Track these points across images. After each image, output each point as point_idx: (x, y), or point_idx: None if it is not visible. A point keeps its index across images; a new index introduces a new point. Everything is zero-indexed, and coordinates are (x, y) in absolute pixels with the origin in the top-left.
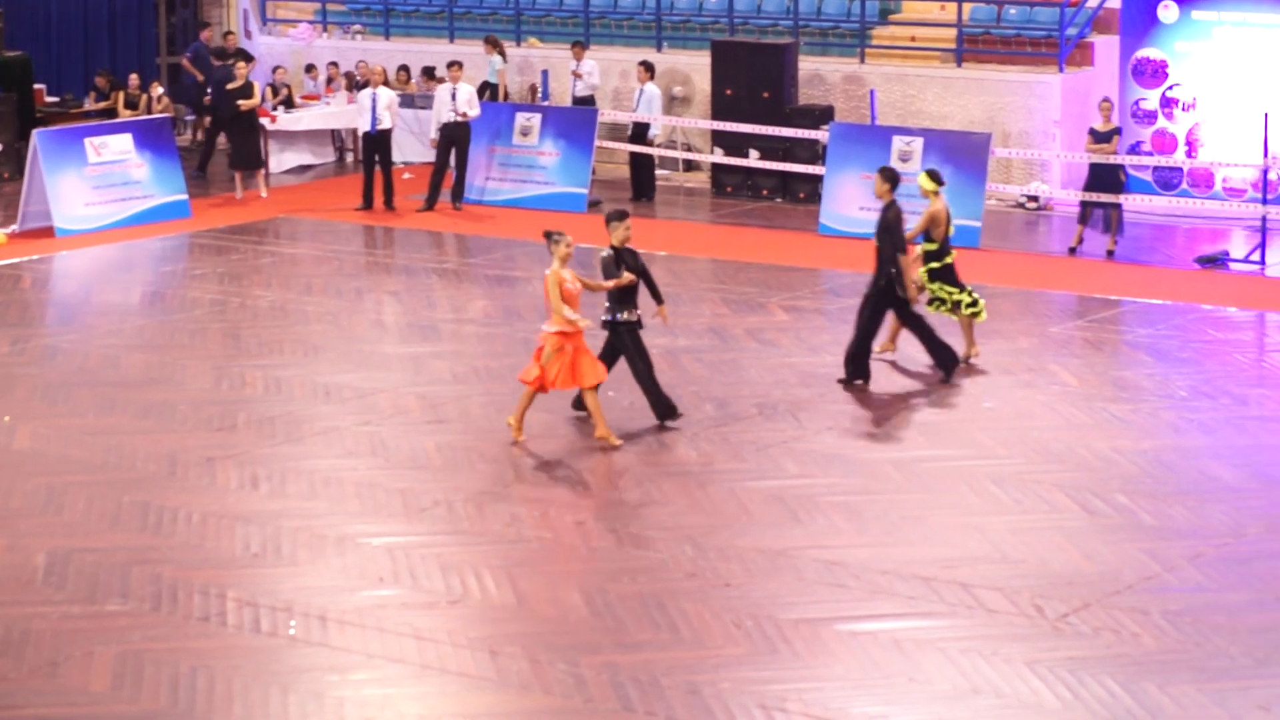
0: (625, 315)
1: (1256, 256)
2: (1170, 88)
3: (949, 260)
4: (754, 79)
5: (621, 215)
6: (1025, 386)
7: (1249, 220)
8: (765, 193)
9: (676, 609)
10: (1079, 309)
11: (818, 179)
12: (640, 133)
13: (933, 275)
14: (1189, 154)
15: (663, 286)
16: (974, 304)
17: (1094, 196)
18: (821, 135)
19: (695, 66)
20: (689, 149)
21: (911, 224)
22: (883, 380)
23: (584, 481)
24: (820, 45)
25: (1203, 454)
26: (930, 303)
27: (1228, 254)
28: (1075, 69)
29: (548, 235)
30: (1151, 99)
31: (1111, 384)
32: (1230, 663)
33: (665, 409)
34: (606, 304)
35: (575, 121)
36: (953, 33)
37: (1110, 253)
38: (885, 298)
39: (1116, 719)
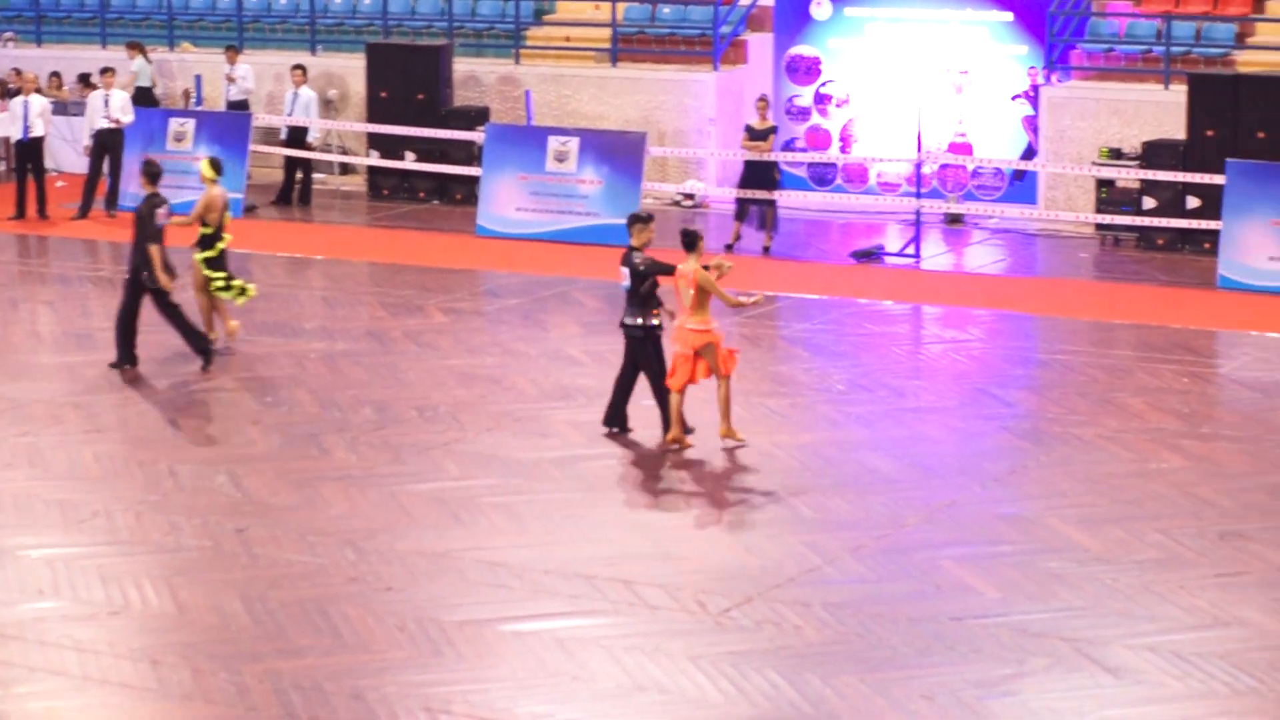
0: (655, 320)
1: (911, 250)
2: (824, 84)
3: (222, 245)
4: (409, 81)
5: (648, 218)
6: None
7: (903, 214)
8: (422, 195)
9: (339, 614)
10: None
11: (474, 180)
12: (298, 137)
13: (209, 262)
14: (843, 150)
15: (320, 291)
16: (228, 288)
17: (749, 193)
18: (477, 136)
19: (350, 69)
20: (345, 152)
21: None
22: (542, 380)
23: (244, 488)
24: (475, 46)
25: (861, 446)
26: (213, 286)
27: (883, 248)
28: (730, 67)
29: (687, 233)
30: (805, 96)
31: (769, 379)
32: (892, 653)
33: (622, 419)
34: (629, 308)
35: (230, 126)
36: (607, 32)
37: (766, 249)
38: (139, 288)
39: (780, 711)
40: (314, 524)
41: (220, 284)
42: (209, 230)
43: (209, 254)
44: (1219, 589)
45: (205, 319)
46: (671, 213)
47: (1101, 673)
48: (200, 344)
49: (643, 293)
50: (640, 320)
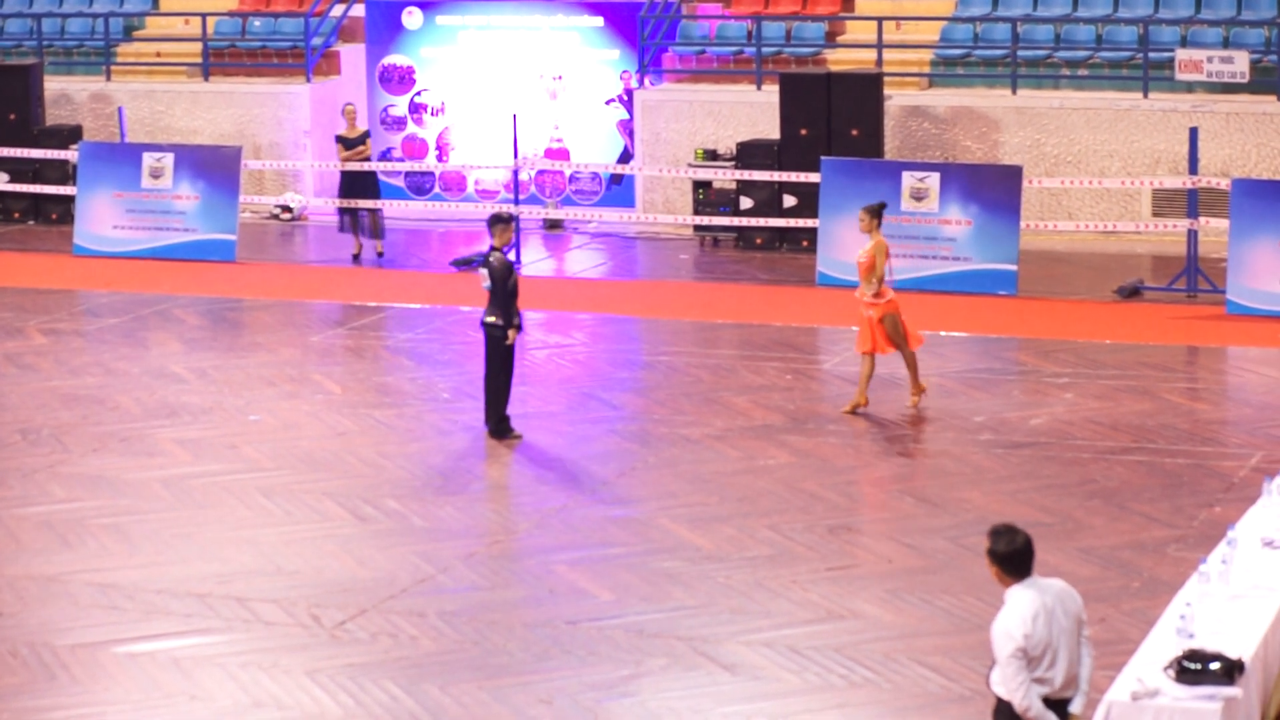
0: (517, 320)
1: (511, 256)
2: (419, 93)
3: None
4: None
5: (509, 219)
6: (290, 397)
7: None
8: (17, 215)
9: None
10: (340, 317)
11: (70, 200)
12: None
13: None
14: (440, 158)
15: None
16: None
17: (352, 203)
18: (71, 155)
19: None
20: None
21: None
22: (146, 398)
23: None
24: (66, 64)
25: (469, 454)
26: None
27: (482, 256)
28: (323, 78)
29: (878, 209)
30: (400, 105)
31: (375, 390)
32: (509, 659)
33: (504, 427)
34: (490, 307)
35: None
36: (199, 47)
37: (356, 257)
38: None
39: None
40: None
41: None
42: None
43: None
44: (831, 582)
45: None
46: (270, 226)
47: (719, 670)
48: None
49: (506, 292)
50: (500, 320)
